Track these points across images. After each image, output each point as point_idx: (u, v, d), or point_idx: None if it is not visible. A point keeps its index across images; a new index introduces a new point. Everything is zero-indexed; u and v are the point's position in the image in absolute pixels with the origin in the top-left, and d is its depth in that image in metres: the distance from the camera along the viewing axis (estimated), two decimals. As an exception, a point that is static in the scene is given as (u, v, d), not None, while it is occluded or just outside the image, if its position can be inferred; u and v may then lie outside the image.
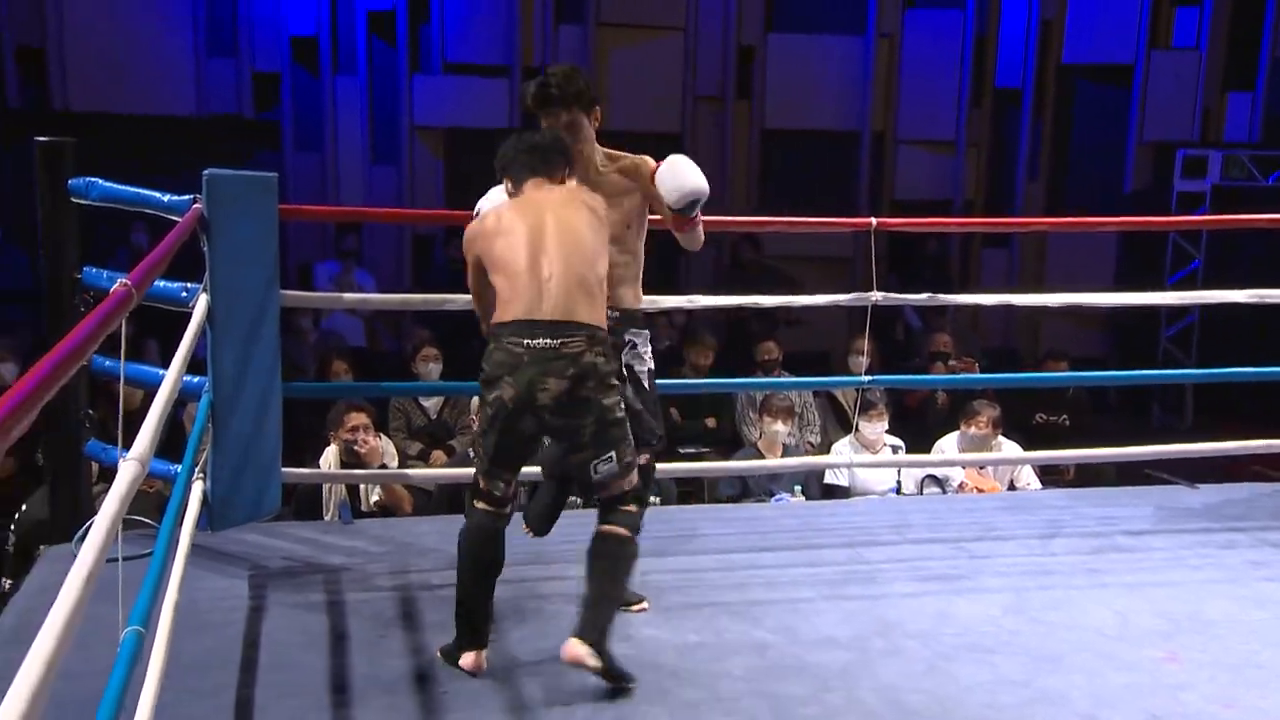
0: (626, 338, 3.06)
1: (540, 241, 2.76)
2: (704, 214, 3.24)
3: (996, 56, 9.69)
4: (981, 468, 5.14)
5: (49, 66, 7.84)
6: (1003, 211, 9.62)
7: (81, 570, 1.42)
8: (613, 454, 2.76)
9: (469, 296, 3.97)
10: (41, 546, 3.54)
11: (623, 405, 2.82)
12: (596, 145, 3.13)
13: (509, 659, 2.93)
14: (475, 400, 3.07)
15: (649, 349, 3.15)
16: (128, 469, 1.79)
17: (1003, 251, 9.85)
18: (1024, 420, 6.38)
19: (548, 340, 2.69)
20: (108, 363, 3.68)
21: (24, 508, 3.93)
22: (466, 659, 2.84)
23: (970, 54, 9.53)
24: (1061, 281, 7.98)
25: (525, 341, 2.70)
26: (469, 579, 2.85)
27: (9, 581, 3.75)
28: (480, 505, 2.84)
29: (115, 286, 1.83)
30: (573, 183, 2.95)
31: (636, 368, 3.08)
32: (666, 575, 3.55)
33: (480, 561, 2.84)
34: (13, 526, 3.90)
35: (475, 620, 2.85)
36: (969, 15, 9.46)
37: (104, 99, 7.90)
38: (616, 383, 2.81)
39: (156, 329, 5.64)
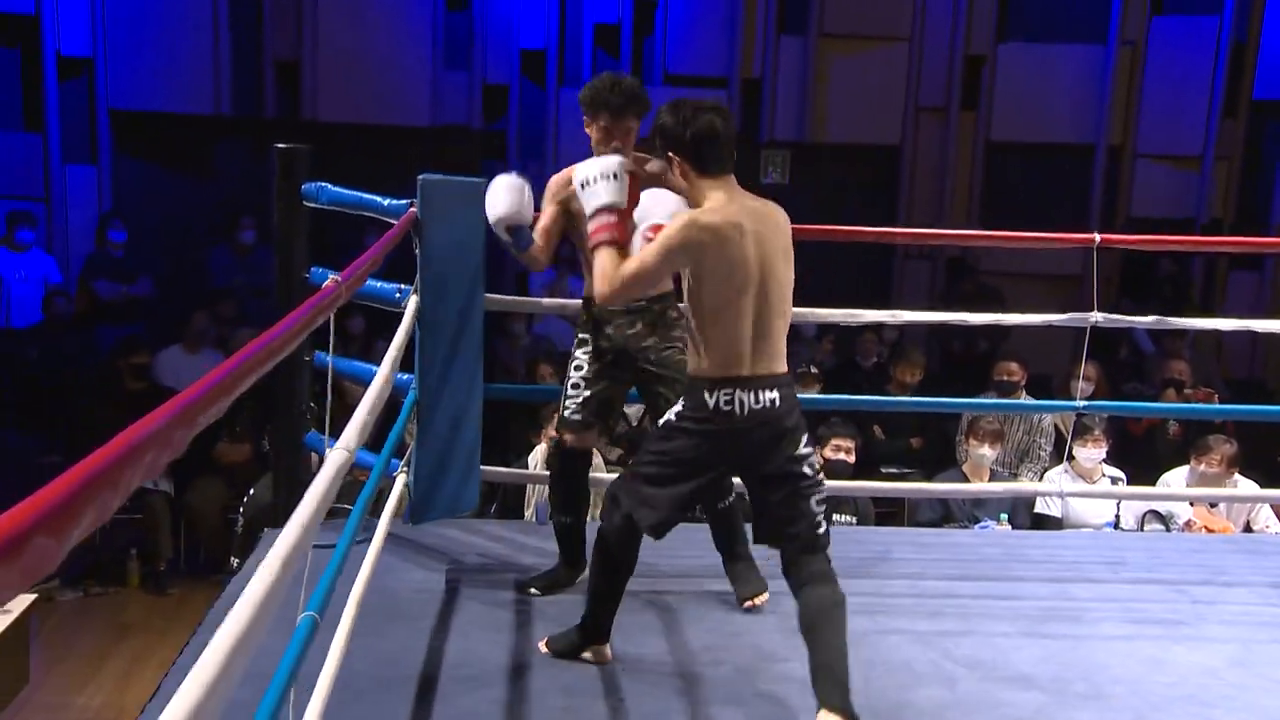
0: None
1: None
2: (920, 225, 3.13)
3: (1255, 65, 8.95)
4: (1213, 504, 4.75)
5: (302, 79, 8.42)
6: (1255, 231, 8.86)
7: (280, 551, 1.48)
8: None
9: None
10: (265, 529, 3.78)
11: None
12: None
13: (637, 658, 2.91)
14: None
15: None
16: (335, 457, 1.87)
17: (1254, 275, 9.09)
18: (1267, 458, 5.85)
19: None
20: (329, 358, 3.91)
21: (251, 492, 4.22)
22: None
23: (1225, 63, 8.85)
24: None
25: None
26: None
27: (236, 560, 4.03)
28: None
29: (325, 283, 1.92)
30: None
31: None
32: (855, 599, 3.43)
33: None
34: (241, 509, 4.19)
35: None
36: (1225, 21, 8.79)
37: (348, 109, 8.42)
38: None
39: (387, 329, 5.98)
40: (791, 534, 2.62)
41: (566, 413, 3.36)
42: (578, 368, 3.35)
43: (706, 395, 2.59)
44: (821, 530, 2.63)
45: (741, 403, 2.58)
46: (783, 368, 2.64)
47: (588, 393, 3.32)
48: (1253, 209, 9.12)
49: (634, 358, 3.26)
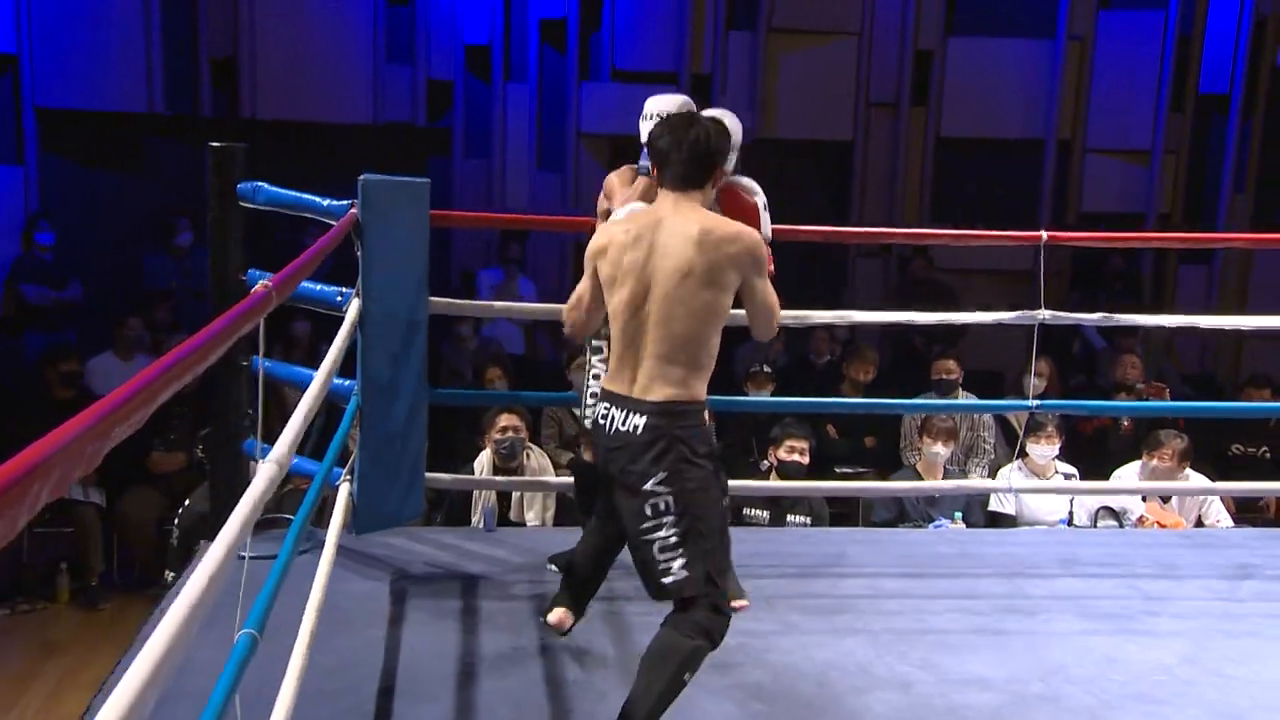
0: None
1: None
2: (872, 221, 3.18)
3: (1201, 59, 9.13)
4: (1165, 499, 4.83)
5: (240, 75, 8.30)
6: (1204, 225, 9.05)
7: (206, 567, 1.45)
8: None
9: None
10: (202, 542, 3.72)
11: None
12: None
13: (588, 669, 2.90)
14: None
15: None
16: (266, 470, 1.84)
17: (1202, 269, 9.27)
18: (1218, 452, 5.98)
19: None
20: (268, 364, 3.86)
21: (187, 502, 4.15)
22: None
23: (1171, 57, 9.02)
24: (1268, 301, 7.46)
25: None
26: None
27: (171, 574, 3.96)
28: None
29: (255, 287, 1.89)
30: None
31: None
32: (810, 600, 3.47)
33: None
34: (176, 521, 4.12)
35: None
36: (1171, 16, 8.95)
37: (287, 107, 8.31)
38: None
39: (333, 333, 5.92)
40: (642, 574, 2.52)
41: (587, 422, 3.33)
42: (596, 376, 3.32)
43: (600, 404, 2.56)
44: (667, 581, 2.43)
45: (611, 419, 2.49)
46: (651, 394, 2.45)
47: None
48: (1200, 203, 9.30)
49: None
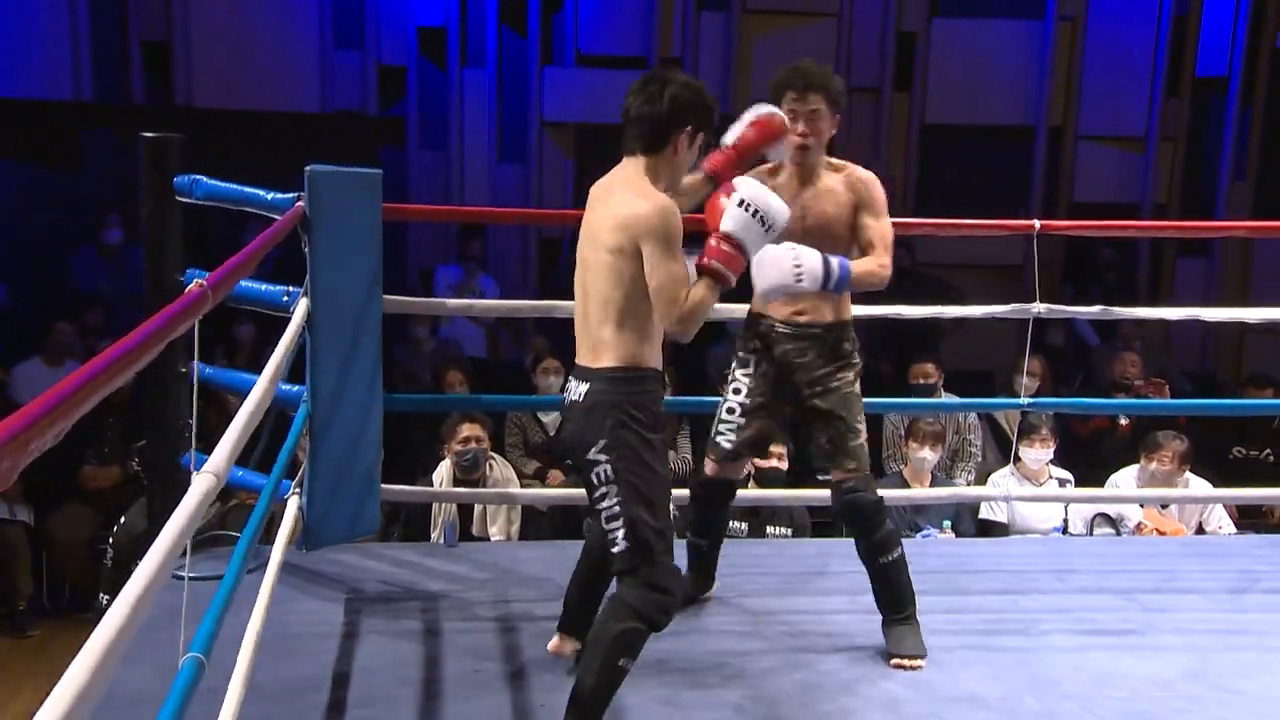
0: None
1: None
2: None
3: (1198, 41, 9.25)
4: (1164, 506, 4.88)
5: (174, 61, 8.23)
6: (1202, 215, 9.16)
7: (133, 589, 1.44)
8: None
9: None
10: (139, 561, 3.68)
11: None
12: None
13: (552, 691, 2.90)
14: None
15: None
16: (201, 482, 1.82)
17: (1200, 261, 9.39)
18: (1219, 454, 6.05)
19: None
20: (208, 369, 3.83)
21: (123, 520, 4.11)
22: None
23: (1167, 38, 9.12)
24: (1270, 294, 7.56)
25: None
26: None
27: (106, 597, 3.92)
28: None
29: (190, 286, 1.87)
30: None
31: None
32: (791, 615, 3.48)
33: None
34: (111, 540, 4.08)
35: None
36: (1166, -5, 9.07)
37: (227, 94, 8.26)
38: None
39: (280, 337, 5.88)
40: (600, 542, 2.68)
41: (719, 438, 3.33)
42: (736, 391, 3.30)
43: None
44: (615, 550, 2.54)
45: (567, 390, 2.66)
46: (598, 361, 2.56)
47: (743, 421, 3.29)
48: (1198, 192, 9.41)
49: (798, 389, 3.22)
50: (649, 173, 2.61)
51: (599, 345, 2.57)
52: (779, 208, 2.61)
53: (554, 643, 3.05)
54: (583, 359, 2.62)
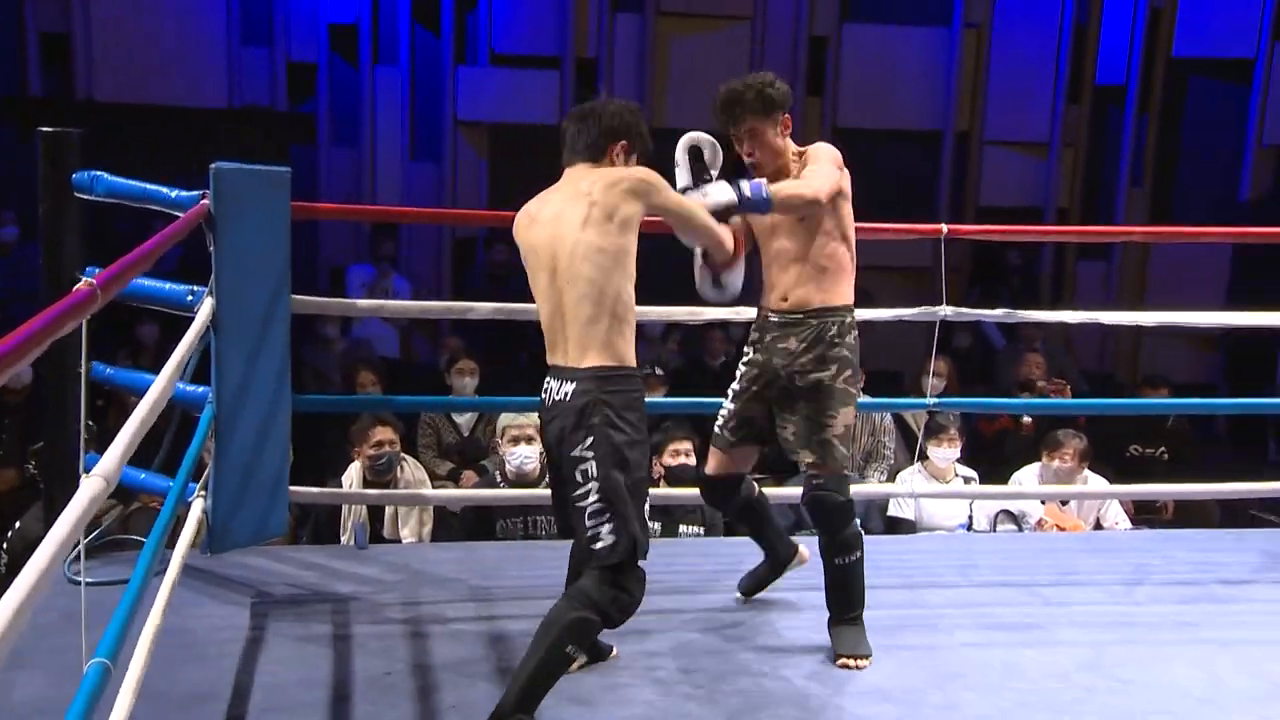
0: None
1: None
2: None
3: (1098, 49, 9.52)
4: (1064, 503, 5.02)
5: (74, 53, 8.02)
6: (1101, 220, 9.43)
7: (14, 595, 1.39)
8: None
9: (493, 305, 4.00)
10: (35, 566, 3.58)
11: None
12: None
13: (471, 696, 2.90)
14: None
15: None
16: (90, 485, 1.78)
17: (1100, 264, 9.66)
18: (1116, 453, 6.23)
19: None
20: (109, 370, 3.75)
21: (18, 525, 4.00)
22: None
23: (1068, 47, 9.37)
24: (1165, 298, 7.79)
25: None
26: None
27: None
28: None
29: (79, 285, 1.81)
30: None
31: None
32: (700, 614, 3.51)
33: None
34: (5, 545, 3.96)
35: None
36: (1068, 4, 9.31)
37: (130, 88, 8.07)
38: None
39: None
40: (575, 539, 2.75)
41: (717, 427, 3.40)
42: (735, 380, 3.38)
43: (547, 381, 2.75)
44: (598, 546, 2.62)
45: (550, 391, 2.71)
46: (584, 360, 2.64)
47: (733, 406, 3.35)
48: (1098, 197, 9.68)
49: (781, 376, 3.24)
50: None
51: (587, 343, 2.63)
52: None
53: None
54: (564, 359, 2.68)
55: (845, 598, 3.24)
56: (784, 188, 3.05)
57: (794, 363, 3.21)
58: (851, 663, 3.17)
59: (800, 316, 3.21)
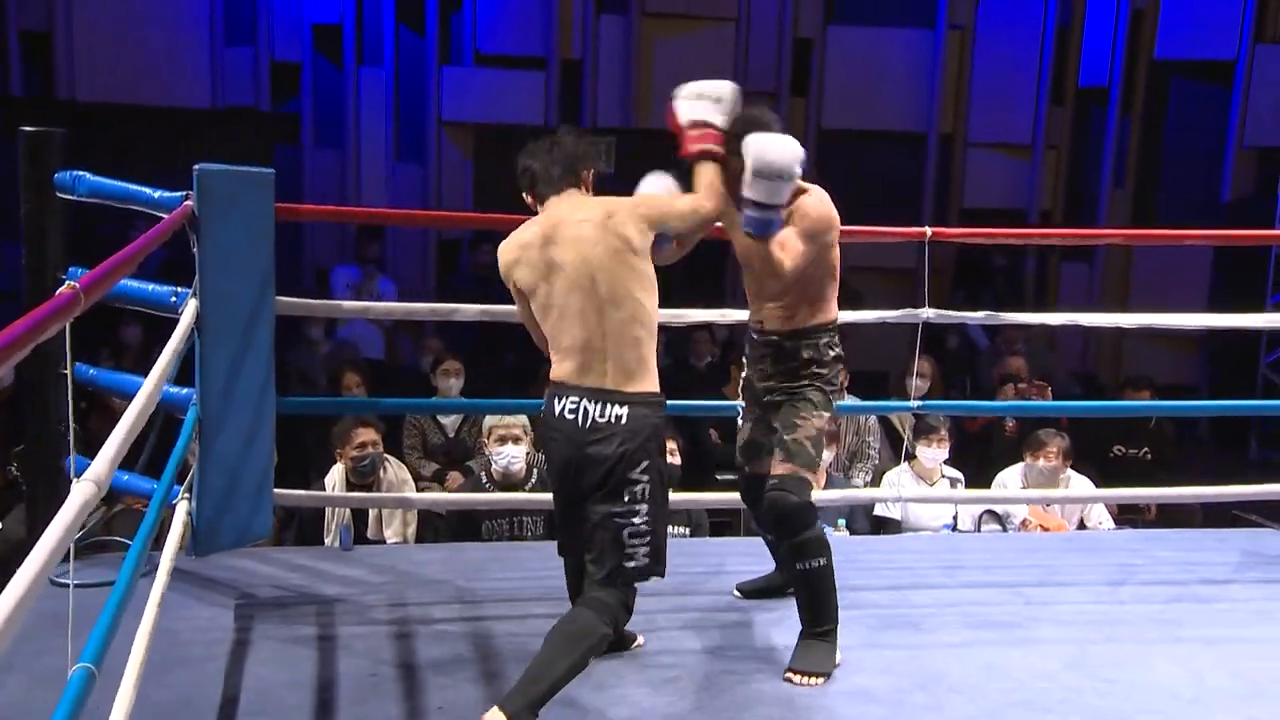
0: None
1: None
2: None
3: (1080, 51, 9.57)
4: (1047, 504, 5.03)
5: (55, 53, 7.98)
6: (1084, 222, 9.48)
7: (9, 598, 1.39)
8: None
9: (479, 307, 4.00)
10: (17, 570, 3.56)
11: None
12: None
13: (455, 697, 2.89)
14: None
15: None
16: (81, 490, 1.77)
17: (1083, 266, 9.71)
18: (1099, 453, 6.26)
19: None
20: (92, 371, 3.73)
21: (0, 527, 3.97)
22: None
23: (1051, 48, 9.42)
24: (1148, 300, 7.85)
25: None
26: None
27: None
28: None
29: (62, 289, 1.80)
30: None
31: None
32: (685, 614, 3.51)
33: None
34: (-12, 546, 3.94)
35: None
36: (1050, 6, 9.35)
37: (112, 88, 8.04)
38: None
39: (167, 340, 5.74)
40: (591, 554, 2.77)
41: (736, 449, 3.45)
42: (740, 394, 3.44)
43: (565, 400, 2.78)
44: (631, 565, 2.72)
45: (585, 413, 2.72)
46: (631, 384, 2.70)
47: (739, 423, 3.40)
48: (1080, 199, 9.73)
49: (759, 392, 3.27)
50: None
51: (631, 369, 2.71)
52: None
53: None
54: (604, 381, 2.71)
55: (811, 607, 3.12)
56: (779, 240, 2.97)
57: (768, 380, 3.25)
58: (798, 679, 3.05)
59: (776, 339, 3.23)
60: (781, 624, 3.48)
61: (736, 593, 3.66)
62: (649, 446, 2.71)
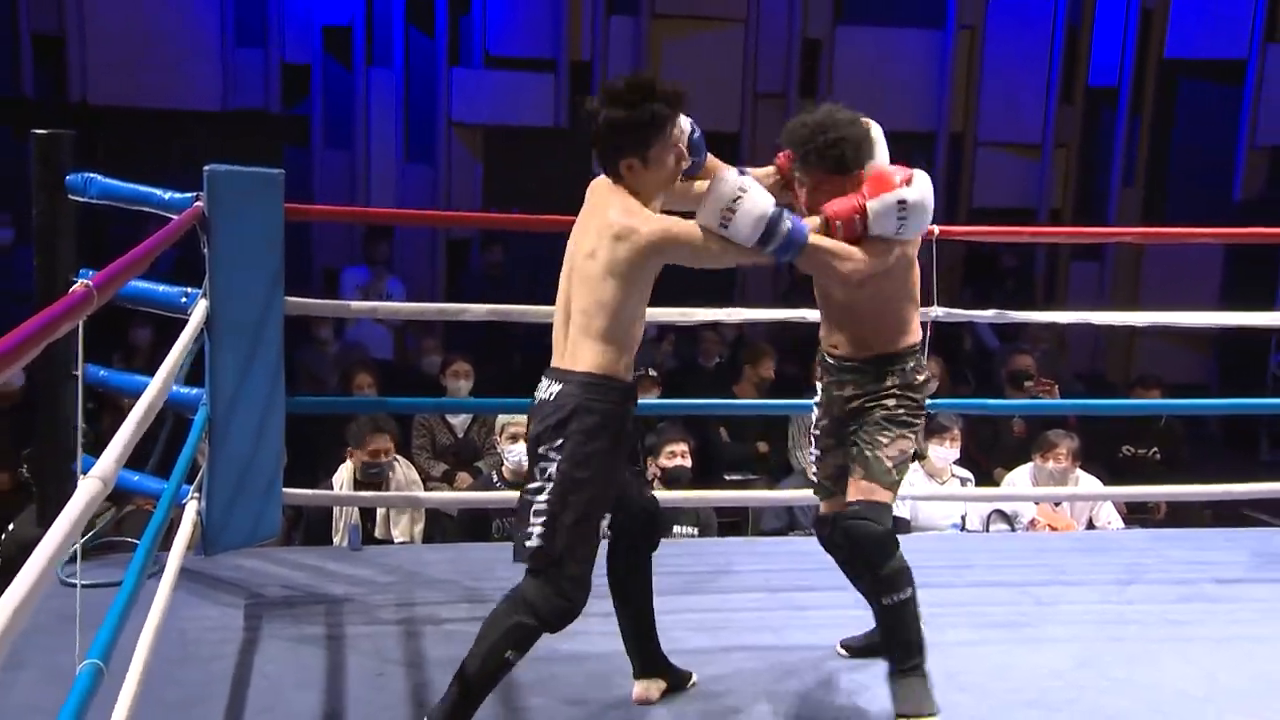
0: None
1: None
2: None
3: (1090, 50, 9.54)
4: (1056, 503, 5.03)
5: (68, 56, 8.01)
6: (1094, 221, 9.46)
7: (12, 596, 1.40)
8: None
9: (487, 307, 4.01)
10: (29, 569, 3.58)
11: None
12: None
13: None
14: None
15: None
16: (87, 486, 1.78)
17: (1094, 265, 9.68)
18: (1109, 453, 6.25)
19: None
20: (103, 373, 3.75)
21: (11, 527, 3.99)
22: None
23: (1061, 48, 9.40)
24: (1158, 299, 7.81)
25: None
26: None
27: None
28: None
29: (75, 287, 1.82)
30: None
31: None
32: (693, 615, 3.51)
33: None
34: (-1, 547, 3.96)
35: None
36: (1060, 5, 9.33)
37: (124, 91, 8.06)
38: None
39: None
40: (514, 532, 2.70)
41: (810, 473, 3.27)
42: (814, 422, 3.11)
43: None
44: (528, 544, 2.57)
45: (540, 388, 2.67)
46: (574, 365, 2.58)
47: (819, 452, 3.09)
48: (1090, 198, 9.71)
49: (842, 421, 2.98)
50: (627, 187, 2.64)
51: (580, 350, 2.59)
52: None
53: (637, 691, 2.94)
54: (559, 361, 2.65)
55: (900, 643, 2.86)
56: (820, 248, 2.75)
57: (851, 407, 2.96)
58: None
59: (856, 364, 2.96)
60: (788, 623, 3.48)
61: (842, 650, 3.27)
62: (569, 427, 2.53)
